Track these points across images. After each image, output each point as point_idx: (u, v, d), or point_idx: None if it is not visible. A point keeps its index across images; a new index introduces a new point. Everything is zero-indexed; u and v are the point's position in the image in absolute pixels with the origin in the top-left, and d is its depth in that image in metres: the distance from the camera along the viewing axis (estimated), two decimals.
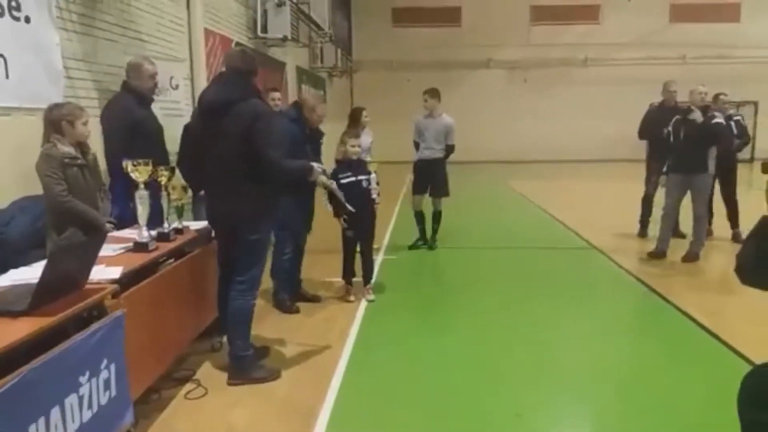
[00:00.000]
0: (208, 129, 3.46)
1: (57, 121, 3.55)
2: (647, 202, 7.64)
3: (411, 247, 7.18)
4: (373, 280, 5.34)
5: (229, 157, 3.39)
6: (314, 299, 5.16)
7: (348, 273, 5.26)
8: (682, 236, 7.02)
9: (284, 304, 4.90)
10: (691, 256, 6.36)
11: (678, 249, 6.52)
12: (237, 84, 3.46)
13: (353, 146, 5.04)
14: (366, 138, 6.25)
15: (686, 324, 4.57)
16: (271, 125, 3.45)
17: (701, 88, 6.31)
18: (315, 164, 3.75)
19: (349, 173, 4.94)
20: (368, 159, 5.74)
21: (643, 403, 3.30)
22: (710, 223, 7.56)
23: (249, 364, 3.58)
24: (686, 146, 6.22)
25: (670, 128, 6.56)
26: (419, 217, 7.21)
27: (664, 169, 6.86)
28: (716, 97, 7.46)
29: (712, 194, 7.42)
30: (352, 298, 5.18)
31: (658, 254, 6.48)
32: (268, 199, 3.52)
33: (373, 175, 5.06)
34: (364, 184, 4.99)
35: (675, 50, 19.90)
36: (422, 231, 7.23)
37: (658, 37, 20.14)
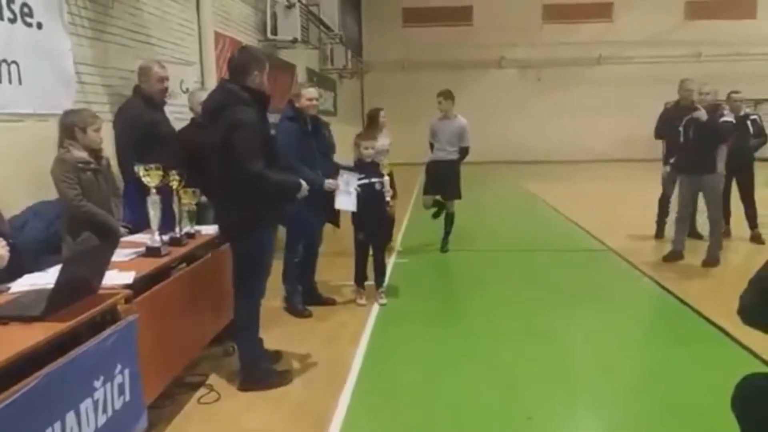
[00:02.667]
0: (207, 136, 3.45)
1: (70, 127, 3.59)
2: (664, 203, 7.54)
3: (435, 216, 7.19)
4: (385, 284, 5.32)
5: (218, 164, 3.34)
6: (329, 302, 5.14)
7: (360, 277, 5.24)
8: (699, 237, 6.92)
9: (296, 308, 4.89)
10: (711, 261, 6.22)
11: (695, 250, 6.43)
12: (226, 90, 3.41)
13: (366, 148, 5.02)
14: (384, 140, 6.04)
15: (704, 327, 4.50)
16: (248, 135, 3.25)
17: (705, 88, 6.21)
18: (305, 183, 3.57)
19: (363, 175, 4.91)
20: (385, 161, 5.68)
21: (658, 407, 3.25)
22: (728, 223, 7.47)
23: (259, 371, 3.56)
24: (694, 146, 6.15)
25: (681, 128, 6.49)
26: (435, 208, 7.16)
27: (671, 161, 6.76)
28: (729, 95, 7.37)
29: (729, 194, 7.33)
30: (364, 301, 5.15)
31: (673, 257, 6.36)
32: (260, 209, 3.37)
33: (386, 178, 5.04)
34: (377, 186, 4.97)
35: (690, 48, 19.69)
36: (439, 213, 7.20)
37: (672, 34, 19.96)
